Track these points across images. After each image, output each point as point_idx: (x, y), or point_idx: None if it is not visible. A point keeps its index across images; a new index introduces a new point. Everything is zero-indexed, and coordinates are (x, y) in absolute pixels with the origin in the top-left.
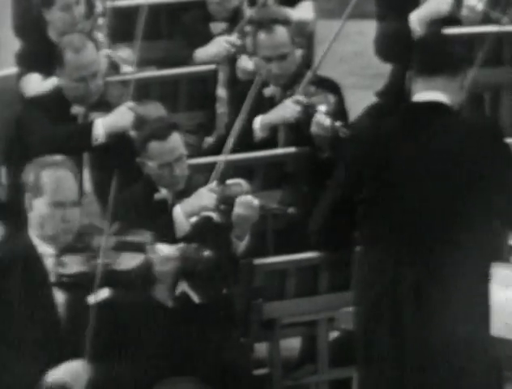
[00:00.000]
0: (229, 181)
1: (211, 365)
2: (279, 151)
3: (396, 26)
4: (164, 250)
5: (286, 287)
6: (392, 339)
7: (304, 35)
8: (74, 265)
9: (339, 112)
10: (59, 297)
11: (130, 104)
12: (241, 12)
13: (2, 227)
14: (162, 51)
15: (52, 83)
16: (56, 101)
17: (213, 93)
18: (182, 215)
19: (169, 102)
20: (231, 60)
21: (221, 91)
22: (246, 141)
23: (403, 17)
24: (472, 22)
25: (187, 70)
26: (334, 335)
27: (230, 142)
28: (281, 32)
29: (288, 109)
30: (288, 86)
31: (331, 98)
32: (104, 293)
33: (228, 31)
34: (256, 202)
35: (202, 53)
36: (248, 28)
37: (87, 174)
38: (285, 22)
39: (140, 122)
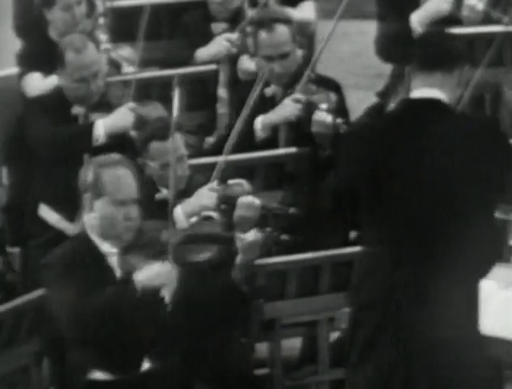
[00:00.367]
0: (230, 182)
1: (211, 365)
2: (280, 151)
3: (397, 26)
4: (249, 237)
5: (287, 287)
6: (392, 338)
7: (306, 35)
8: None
9: (340, 110)
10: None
11: (131, 104)
12: (242, 12)
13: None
14: (163, 51)
15: (52, 81)
16: (57, 102)
17: (214, 93)
18: (183, 215)
19: (169, 103)
20: (231, 60)
21: (222, 92)
22: (247, 141)
23: (403, 17)
24: (473, 22)
25: (188, 70)
26: (334, 335)
27: (231, 142)
28: (282, 30)
29: (288, 108)
30: (290, 85)
31: (333, 96)
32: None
33: (229, 31)
34: (257, 202)
35: (202, 53)
36: (249, 29)
37: None
38: (286, 21)
39: (141, 123)
